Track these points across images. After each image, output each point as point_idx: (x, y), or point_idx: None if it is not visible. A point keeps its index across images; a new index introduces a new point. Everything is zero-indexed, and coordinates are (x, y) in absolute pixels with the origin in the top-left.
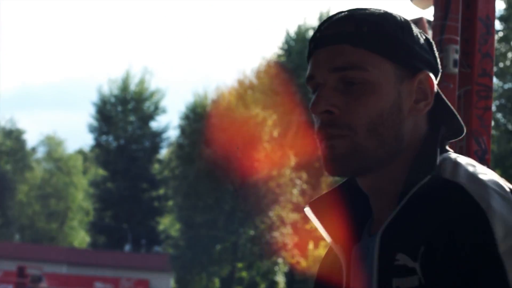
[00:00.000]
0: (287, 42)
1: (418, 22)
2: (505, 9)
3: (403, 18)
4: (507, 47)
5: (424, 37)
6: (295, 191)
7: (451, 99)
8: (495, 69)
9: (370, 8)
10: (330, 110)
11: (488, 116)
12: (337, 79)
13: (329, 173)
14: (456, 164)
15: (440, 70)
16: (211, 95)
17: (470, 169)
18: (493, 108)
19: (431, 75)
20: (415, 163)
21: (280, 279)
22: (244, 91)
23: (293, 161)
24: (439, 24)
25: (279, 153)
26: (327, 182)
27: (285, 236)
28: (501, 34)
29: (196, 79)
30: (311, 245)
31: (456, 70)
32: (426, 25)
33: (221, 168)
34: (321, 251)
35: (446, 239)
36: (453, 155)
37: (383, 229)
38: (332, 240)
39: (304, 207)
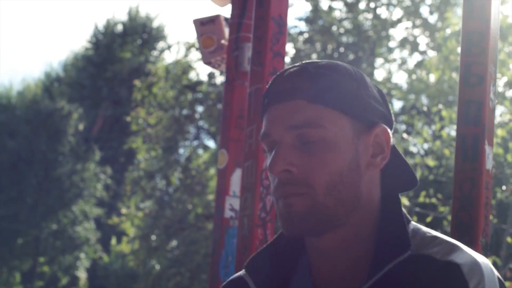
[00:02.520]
0: (95, 35)
1: (216, 19)
2: (311, 11)
3: (357, 70)
4: (312, 49)
5: (376, 89)
6: (99, 186)
7: (243, 96)
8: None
9: (323, 61)
10: (288, 169)
11: None
12: (294, 136)
13: (287, 232)
14: (435, 238)
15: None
16: (17, 86)
17: (456, 248)
18: None
19: (387, 128)
20: (385, 234)
21: (82, 274)
22: (50, 84)
23: (98, 155)
24: (236, 22)
25: (84, 147)
26: (131, 177)
27: (88, 231)
28: (306, 35)
29: (1, 70)
30: (114, 241)
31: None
32: (223, 22)
33: (24, 161)
34: (124, 247)
35: None
36: (415, 224)
37: None
38: None
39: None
